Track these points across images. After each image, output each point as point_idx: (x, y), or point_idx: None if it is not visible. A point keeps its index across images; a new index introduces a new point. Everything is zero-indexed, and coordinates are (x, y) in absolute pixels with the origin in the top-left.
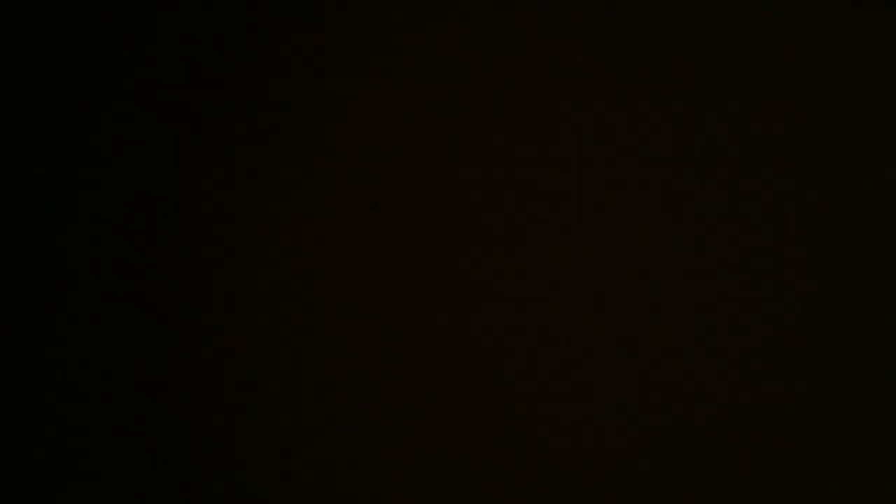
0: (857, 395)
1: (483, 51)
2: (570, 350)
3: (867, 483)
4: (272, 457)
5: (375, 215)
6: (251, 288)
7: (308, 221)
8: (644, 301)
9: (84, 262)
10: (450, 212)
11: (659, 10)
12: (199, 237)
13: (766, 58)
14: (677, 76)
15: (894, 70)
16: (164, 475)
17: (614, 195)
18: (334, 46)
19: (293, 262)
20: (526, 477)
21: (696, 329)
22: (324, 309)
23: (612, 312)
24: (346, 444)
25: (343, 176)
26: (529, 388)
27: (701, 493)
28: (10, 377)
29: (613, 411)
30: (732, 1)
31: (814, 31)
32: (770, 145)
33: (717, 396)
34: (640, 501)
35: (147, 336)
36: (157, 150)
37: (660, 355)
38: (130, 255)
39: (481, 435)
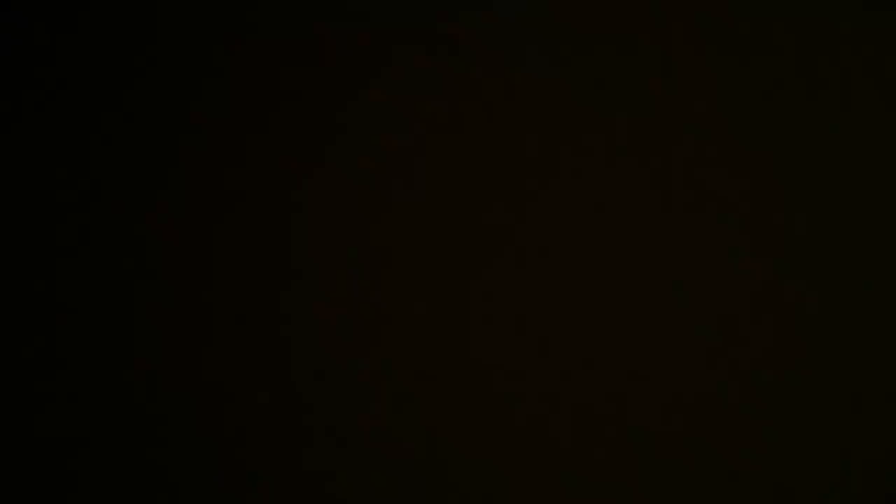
0: (856, 396)
1: (484, 56)
2: (570, 351)
3: (866, 483)
4: (271, 458)
5: (377, 216)
6: (253, 289)
7: (310, 222)
8: (643, 302)
9: (83, 261)
10: (450, 213)
11: (657, 10)
12: (198, 237)
13: (765, 57)
14: (676, 77)
15: (894, 69)
16: (165, 476)
17: (615, 198)
18: (338, 50)
19: (294, 262)
20: (527, 478)
21: (696, 331)
22: (324, 309)
23: (611, 314)
24: (345, 445)
25: (345, 178)
26: (529, 390)
27: (702, 494)
28: (10, 377)
29: (613, 412)
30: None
31: (813, 29)
32: (770, 146)
33: (718, 397)
34: (641, 501)
35: (148, 336)
36: (158, 150)
37: (660, 356)
38: (130, 254)
39: (481, 437)
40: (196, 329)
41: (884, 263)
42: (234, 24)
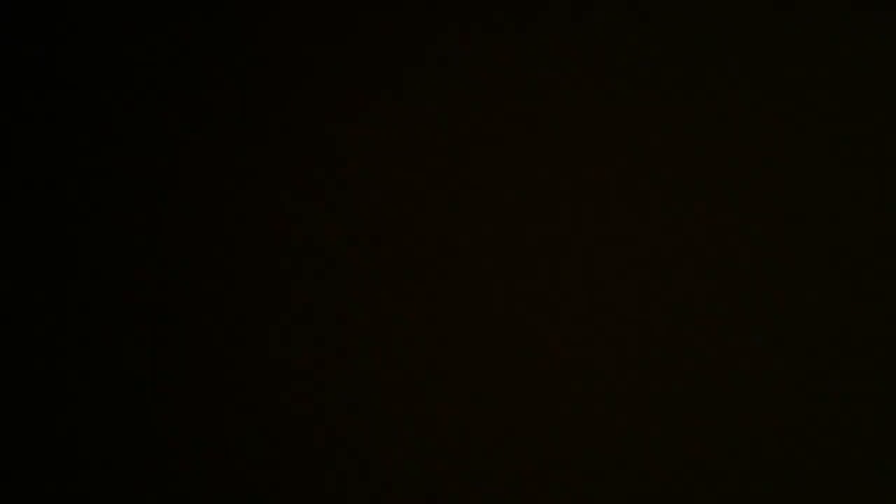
0: (856, 396)
1: (486, 59)
2: (570, 351)
3: (866, 483)
4: (271, 459)
5: (377, 216)
6: (253, 289)
7: (310, 222)
8: (643, 302)
9: (83, 261)
10: (450, 213)
11: (657, 11)
12: (198, 237)
13: (765, 57)
14: (676, 77)
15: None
16: (165, 476)
17: (615, 198)
18: (343, 59)
19: (294, 262)
20: (527, 478)
21: (696, 331)
22: (324, 309)
23: (610, 314)
24: (346, 445)
25: (345, 178)
26: (529, 390)
27: (702, 494)
28: (10, 377)
29: (613, 412)
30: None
31: (811, 29)
32: (770, 146)
33: (718, 397)
34: (641, 501)
35: (148, 336)
36: (158, 150)
37: (660, 356)
38: (130, 254)
39: (481, 437)
40: (196, 329)
41: (884, 263)
42: (235, 24)
